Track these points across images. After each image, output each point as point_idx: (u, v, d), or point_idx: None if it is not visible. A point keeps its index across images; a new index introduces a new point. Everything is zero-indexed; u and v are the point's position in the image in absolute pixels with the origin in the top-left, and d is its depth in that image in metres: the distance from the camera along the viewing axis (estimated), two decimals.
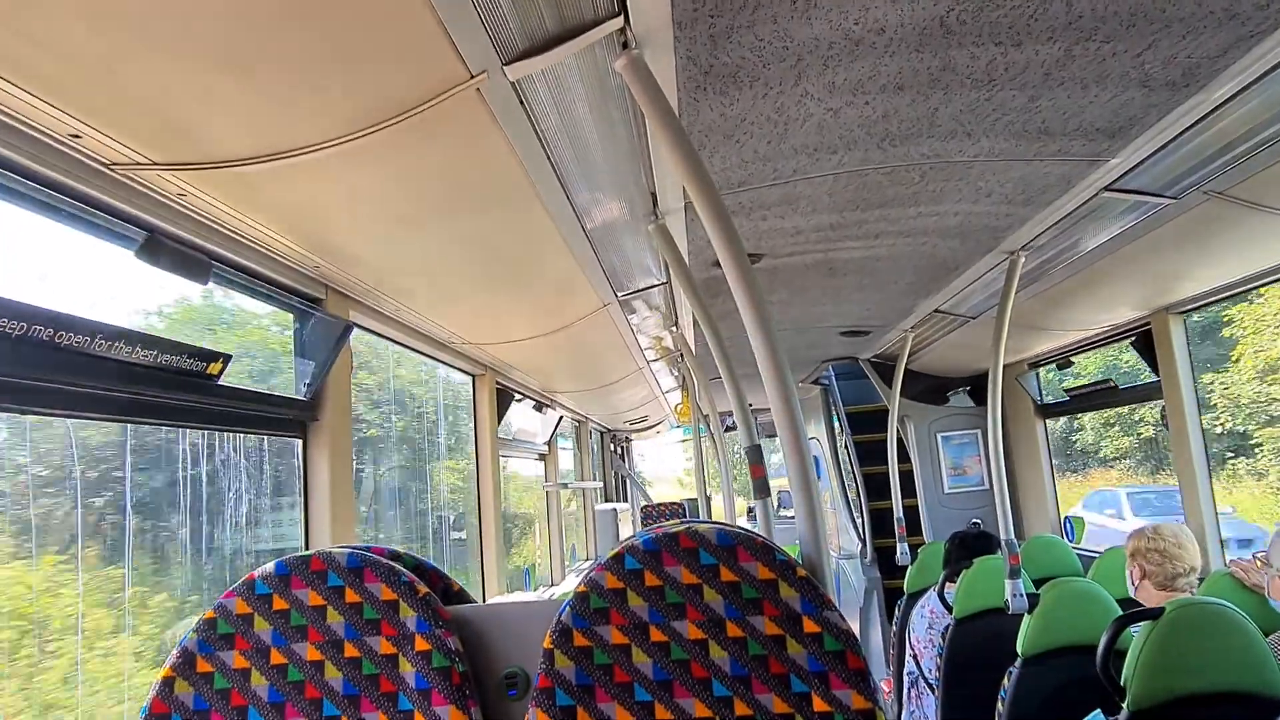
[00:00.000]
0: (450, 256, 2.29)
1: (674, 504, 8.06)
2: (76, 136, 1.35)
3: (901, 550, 5.16)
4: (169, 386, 1.72)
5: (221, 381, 1.87)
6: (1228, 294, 3.29)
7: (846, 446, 6.23)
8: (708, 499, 4.95)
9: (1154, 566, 2.66)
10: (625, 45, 1.44)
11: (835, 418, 6.50)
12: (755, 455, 2.12)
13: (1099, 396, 4.59)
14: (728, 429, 6.69)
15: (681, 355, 4.30)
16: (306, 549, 2.14)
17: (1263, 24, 1.53)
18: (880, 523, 5.79)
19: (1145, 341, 3.78)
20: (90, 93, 1.26)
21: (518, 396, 4.60)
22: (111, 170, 1.47)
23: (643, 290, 3.21)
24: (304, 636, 1.30)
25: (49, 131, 1.34)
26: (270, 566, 1.34)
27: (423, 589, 1.33)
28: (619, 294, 3.14)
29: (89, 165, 1.44)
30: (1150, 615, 2.02)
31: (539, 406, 5.25)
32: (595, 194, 2.10)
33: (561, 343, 3.58)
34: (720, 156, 2.07)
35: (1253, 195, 2.26)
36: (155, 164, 1.47)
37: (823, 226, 2.75)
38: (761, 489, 2.10)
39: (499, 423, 4.17)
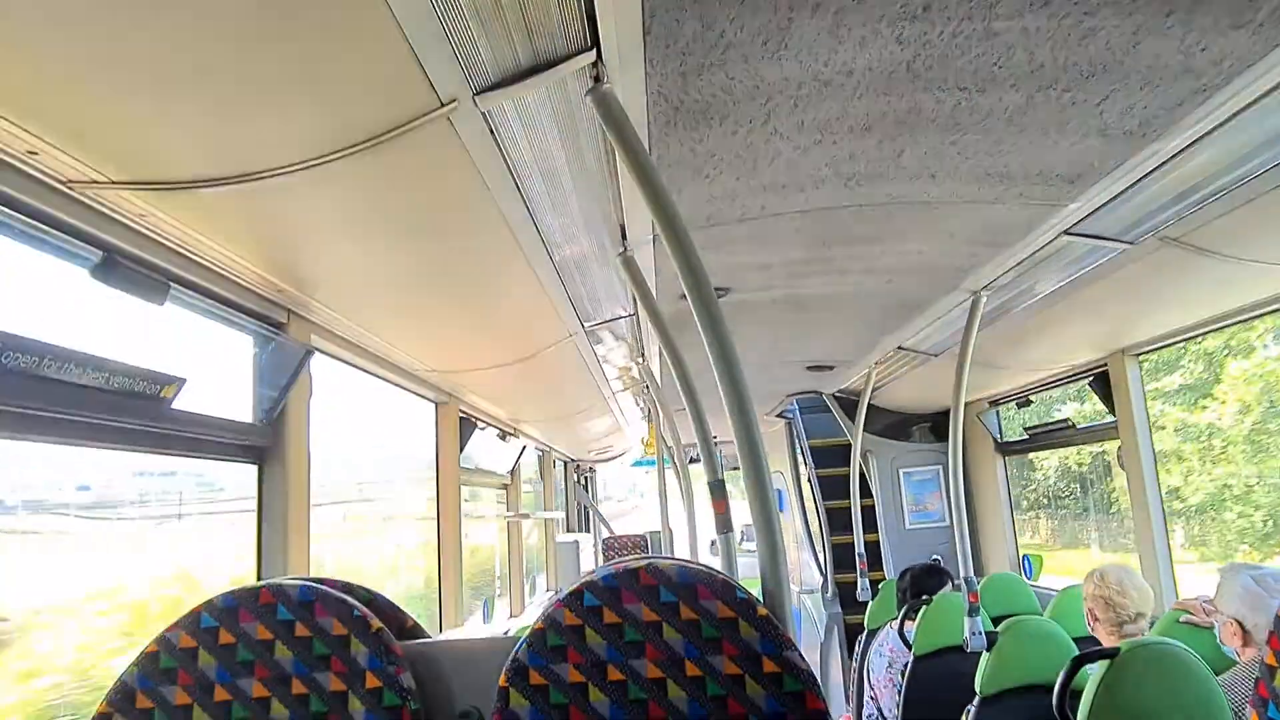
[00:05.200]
0: (416, 284, 2.27)
1: (636, 536, 8.00)
2: (34, 153, 1.32)
3: (862, 585, 5.17)
4: (120, 410, 1.67)
5: (175, 405, 1.83)
6: (1182, 337, 3.37)
7: (810, 480, 6.25)
8: (671, 531, 4.92)
9: (1102, 612, 2.73)
10: (597, 79, 1.44)
11: (799, 451, 6.53)
12: (718, 490, 2.12)
13: (1057, 435, 4.67)
14: (692, 460, 6.69)
15: (647, 386, 4.30)
16: (259, 580, 2.09)
17: (1216, 78, 1.58)
18: (842, 557, 5.80)
19: (1102, 382, 3.86)
20: (49, 109, 1.23)
21: (481, 425, 4.55)
22: (69, 189, 1.44)
23: (609, 321, 3.21)
24: (250, 672, 1.26)
25: (5, 148, 1.30)
26: (217, 599, 1.30)
27: (376, 624, 1.29)
28: (585, 324, 3.13)
29: (46, 183, 1.41)
30: (1106, 655, 2.04)
31: (503, 436, 5.20)
32: (564, 225, 2.10)
33: (527, 372, 3.56)
34: (690, 191, 2.08)
35: (1206, 242, 2.32)
36: (114, 183, 1.44)
37: (790, 262, 2.78)
38: (724, 525, 2.09)
39: (461, 452, 4.12)
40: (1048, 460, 6.12)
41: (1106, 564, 2.88)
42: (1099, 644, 2.74)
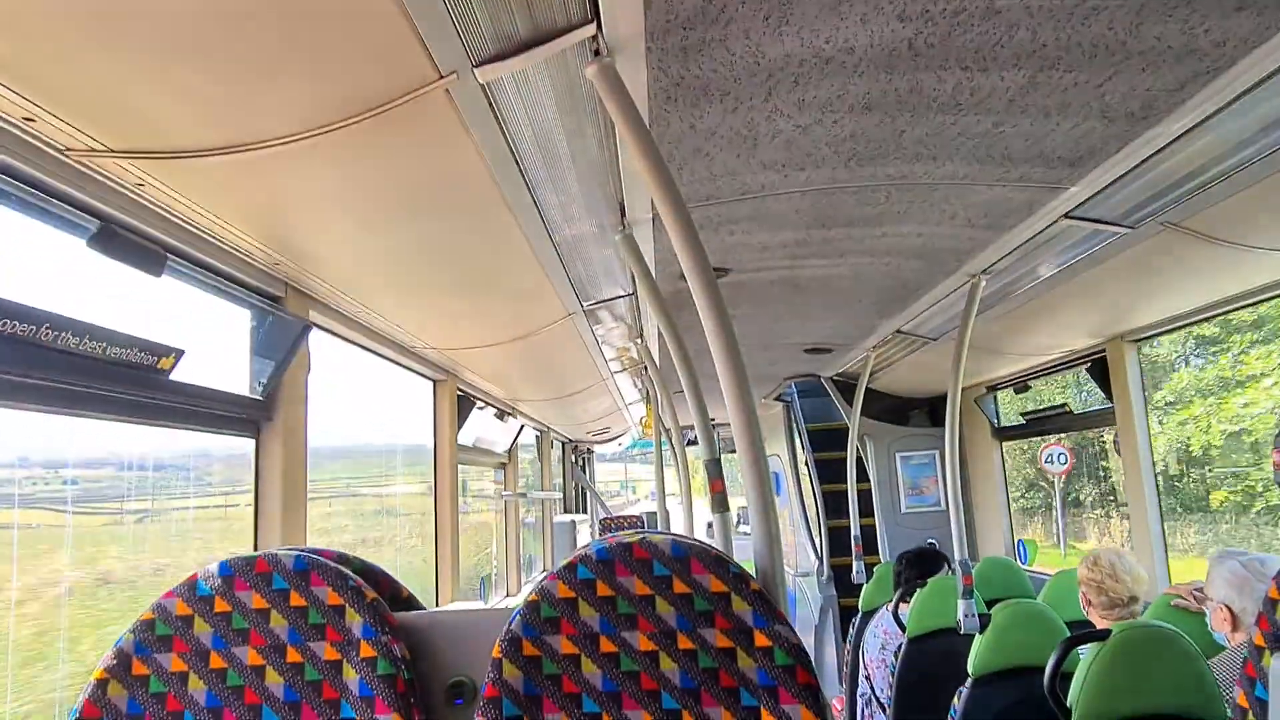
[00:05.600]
0: (414, 259, 2.26)
1: (633, 517, 8.03)
2: (30, 120, 1.32)
3: (857, 568, 5.20)
4: (118, 380, 1.68)
5: (173, 377, 1.83)
6: (1180, 324, 3.37)
7: (807, 464, 6.27)
8: (668, 512, 4.93)
9: (1094, 596, 2.75)
10: (597, 53, 1.44)
11: (796, 435, 6.54)
12: (715, 469, 2.12)
13: (1054, 421, 4.68)
14: (690, 443, 6.69)
15: (645, 367, 4.30)
16: (255, 550, 2.10)
17: (1218, 61, 1.57)
18: (837, 540, 5.82)
19: (1100, 368, 3.86)
20: (46, 76, 1.23)
21: (479, 404, 4.56)
22: (66, 156, 1.43)
23: (608, 301, 3.21)
24: (245, 640, 1.27)
25: (1, 114, 1.30)
26: (214, 567, 1.31)
27: (370, 594, 1.30)
28: (584, 304, 3.13)
29: (43, 151, 1.41)
30: (1097, 637, 2.05)
31: (500, 415, 5.21)
32: (563, 202, 2.10)
33: (525, 351, 3.56)
34: (689, 169, 2.08)
35: (1205, 227, 2.32)
36: (112, 152, 1.43)
37: (789, 243, 2.77)
38: (720, 504, 2.10)
39: (459, 430, 4.13)
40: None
41: (1102, 548, 2.91)
42: (1092, 627, 2.76)
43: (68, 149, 1.41)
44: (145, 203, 1.64)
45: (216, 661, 1.27)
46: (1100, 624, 2.74)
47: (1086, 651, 2.09)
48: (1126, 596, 2.72)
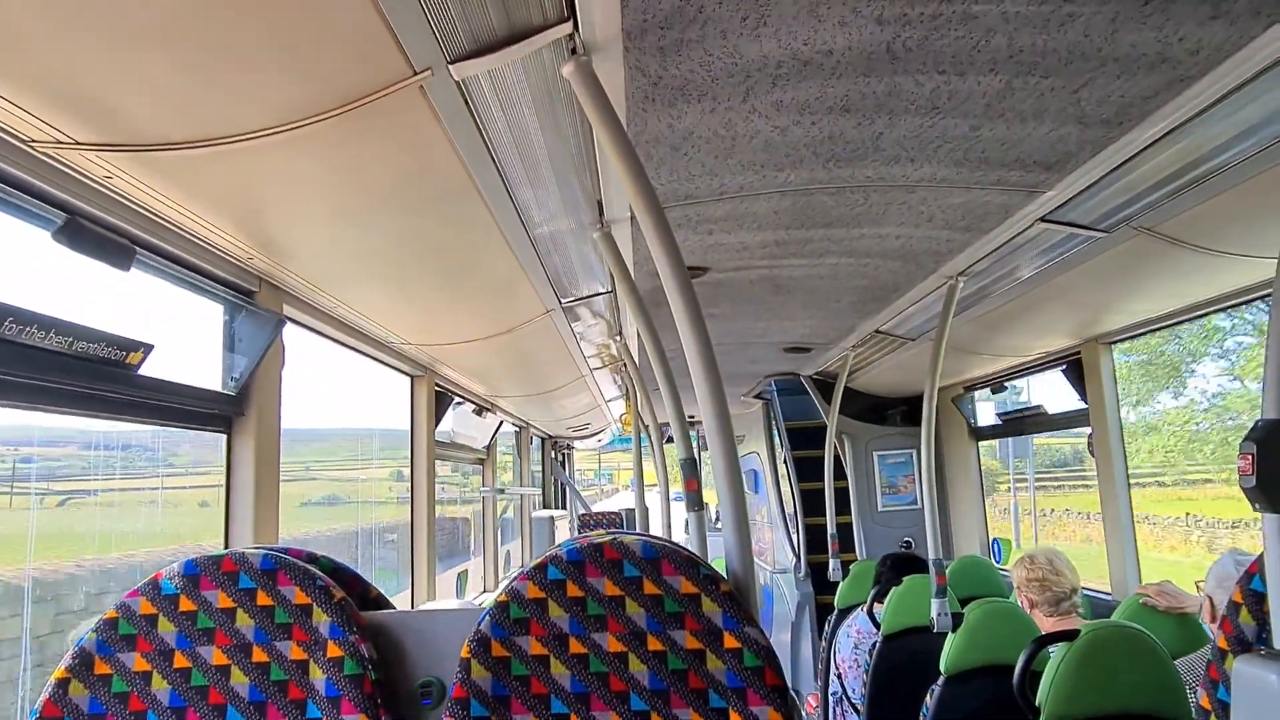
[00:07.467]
0: (390, 254, 2.25)
1: (612, 514, 8.02)
2: None
3: (834, 566, 5.22)
4: (85, 375, 1.65)
5: (142, 372, 1.80)
6: (1153, 327, 3.41)
7: (785, 461, 6.28)
8: (646, 509, 4.94)
9: (1037, 595, 2.82)
10: (574, 51, 1.43)
11: (776, 432, 6.55)
12: (690, 469, 2.12)
13: (1030, 421, 4.71)
14: (668, 440, 6.70)
15: (625, 364, 4.30)
16: (226, 548, 2.08)
17: (1192, 69, 1.59)
18: (815, 538, 5.84)
19: (1075, 369, 3.90)
20: (10, 66, 1.20)
21: (457, 400, 4.54)
22: (31, 148, 1.41)
23: (587, 298, 3.20)
24: (211, 640, 1.25)
25: None
26: (178, 566, 1.29)
27: (338, 593, 1.29)
28: (563, 300, 3.12)
29: (7, 142, 1.38)
30: (1067, 637, 2.07)
31: (479, 411, 5.19)
32: (540, 199, 2.09)
33: (503, 347, 3.55)
34: (667, 169, 2.07)
35: (1178, 233, 2.34)
36: (79, 144, 1.41)
37: (768, 243, 2.78)
38: (695, 502, 2.10)
39: (436, 426, 4.11)
40: None
41: (1032, 548, 2.98)
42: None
43: (33, 140, 1.39)
44: (113, 195, 1.62)
45: (181, 661, 1.25)
46: (1046, 624, 2.80)
47: (1056, 650, 2.11)
48: (1069, 589, 2.80)
